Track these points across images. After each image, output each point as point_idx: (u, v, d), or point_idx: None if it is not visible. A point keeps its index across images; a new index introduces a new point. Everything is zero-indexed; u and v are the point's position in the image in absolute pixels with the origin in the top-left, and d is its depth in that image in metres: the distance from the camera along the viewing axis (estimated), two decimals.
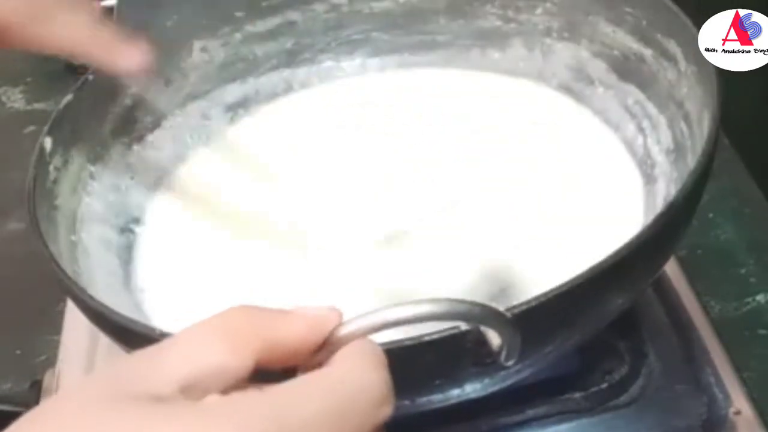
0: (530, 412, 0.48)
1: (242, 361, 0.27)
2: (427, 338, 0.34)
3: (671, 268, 0.55)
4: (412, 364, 0.30)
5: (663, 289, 0.54)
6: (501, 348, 0.34)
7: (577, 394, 0.48)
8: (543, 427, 0.48)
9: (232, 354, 0.27)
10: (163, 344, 0.28)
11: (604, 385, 0.49)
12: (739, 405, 0.49)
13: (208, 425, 0.25)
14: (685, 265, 0.56)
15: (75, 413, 0.26)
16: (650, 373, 0.50)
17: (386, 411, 0.27)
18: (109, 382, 0.27)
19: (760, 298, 0.57)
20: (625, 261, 0.37)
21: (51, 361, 0.59)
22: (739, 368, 0.50)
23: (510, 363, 0.35)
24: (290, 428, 0.26)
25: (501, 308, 0.33)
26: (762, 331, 0.56)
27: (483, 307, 0.32)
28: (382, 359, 0.28)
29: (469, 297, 0.32)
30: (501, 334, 0.33)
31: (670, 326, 0.52)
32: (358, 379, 0.27)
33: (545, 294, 0.35)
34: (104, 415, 0.25)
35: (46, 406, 0.27)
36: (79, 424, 0.25)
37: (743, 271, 0.59)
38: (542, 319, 0.36)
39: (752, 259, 0.60)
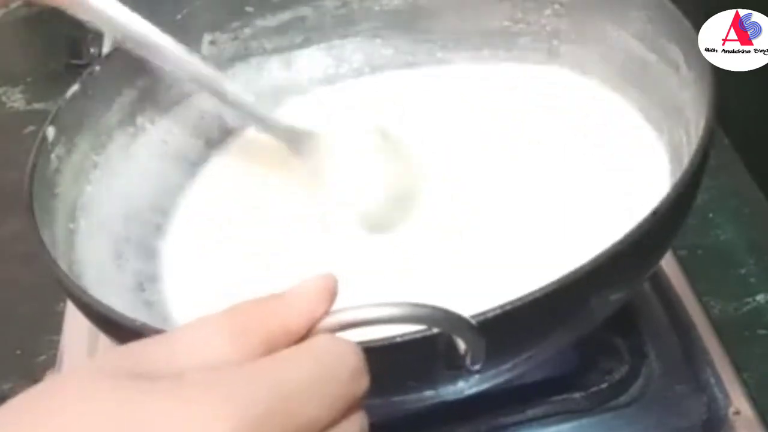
0: (530, 412, 0.48)
1: (246, 358, 0.28)
2: (398, 339, 0.34)
3: (671, 268, 0.55)
4: (383, 363, 0.30)
5: (663, 289, 0.54)
6: (466, 353, 0.34)
7: (577, 394, 0.48)
8: (543, 427, 0.48)
9: (238, 353, 0.28)
10: (172, 335, 0.29)
11: (604, 385, 0.49)
12: (739, 405, 0.48)
13: (202, 396, 0.26)
14: (685, 265, 0.56)
15: (73, 383, 0.27)
16: (650, 373, 0.50)
17: (364, 383, 0.29)
18: (114, 361, 0.28)
19: (760, 298, 0.57)
20: (603, 268, 0.36)
21: (51, 361, 0.59)
22: (739, 368, 0.50)
23: (476, 368, 0.35)
24: (283, 395, 0.27)
25: (465, 315, 0.33)
26: (762, 331, 0.55)
27: (445, 312, 0.32)
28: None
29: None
30: (464, 339, 0.33)
31: (670, 326, 0.52)
32: (336, 350, 0.29)
33: (511, 302, 0.35)
34: (97, 387, 0.26)
35: (49, 379, 0.28)
36: (71, 393, 0.27)
37: (743, 271, 0.59)
38: (509, 326, 0.35)
39: (752, 259, 0.60)
